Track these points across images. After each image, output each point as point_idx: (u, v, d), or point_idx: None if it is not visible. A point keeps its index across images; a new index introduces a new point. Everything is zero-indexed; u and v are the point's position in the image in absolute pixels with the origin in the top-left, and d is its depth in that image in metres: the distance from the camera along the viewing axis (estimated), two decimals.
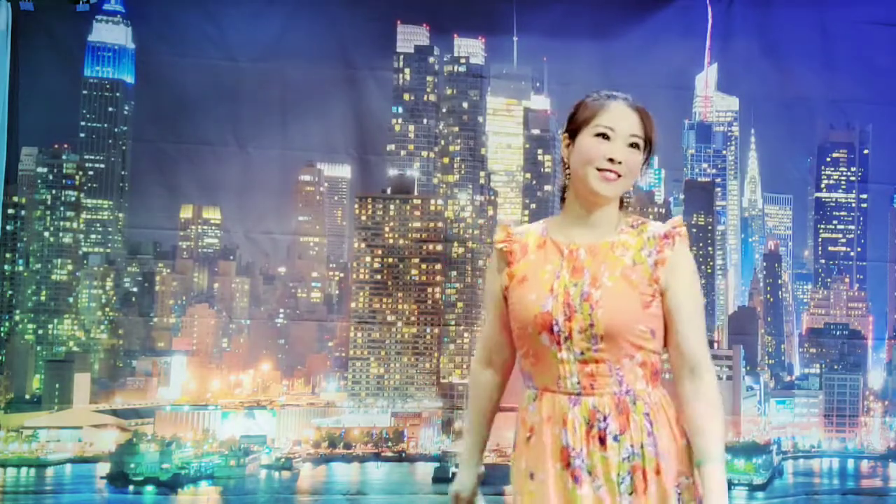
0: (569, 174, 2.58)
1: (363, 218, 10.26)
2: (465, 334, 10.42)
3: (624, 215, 2.61)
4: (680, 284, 2.54)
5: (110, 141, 10.00)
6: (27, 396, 9.53)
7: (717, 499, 2.44)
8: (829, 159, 10.85)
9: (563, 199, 2.64)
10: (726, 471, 2.50)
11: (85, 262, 9.90)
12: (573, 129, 2.57)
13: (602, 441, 2.47)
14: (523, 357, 2.60)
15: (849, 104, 9.79)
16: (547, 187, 10.68)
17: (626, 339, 2.49)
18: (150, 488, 9.14)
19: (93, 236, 10.03)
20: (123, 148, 9.99)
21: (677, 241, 2.56)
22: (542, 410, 2.53)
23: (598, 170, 2.49)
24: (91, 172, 9.92)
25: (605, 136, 2.50)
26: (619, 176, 2.50)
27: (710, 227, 10.89)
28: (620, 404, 2.50)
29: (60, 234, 9.82)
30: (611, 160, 2.49)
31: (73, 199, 9.84)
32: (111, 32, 9.71)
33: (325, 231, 10.74)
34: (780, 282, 10.98)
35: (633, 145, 2.52)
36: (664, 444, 2.50)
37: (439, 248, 10.28)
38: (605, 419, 2.48)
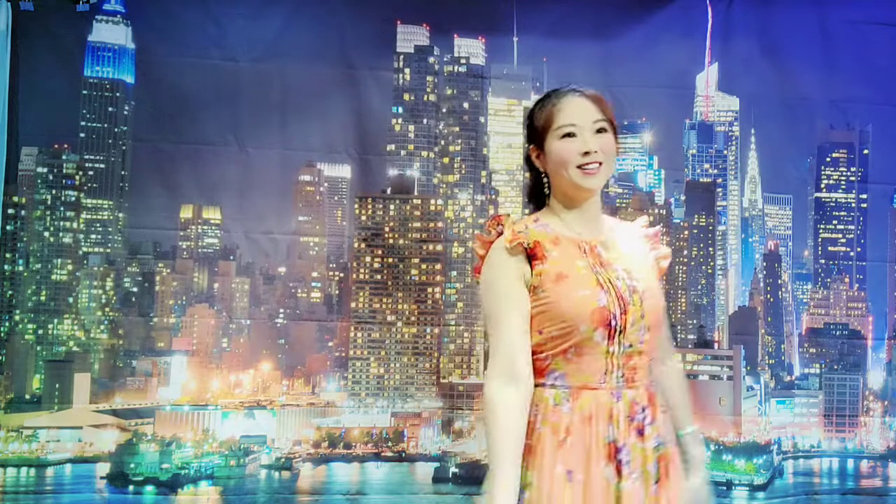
0: (547, 182, 2.58)
1: (363, 218, 10.26)
2: (465, 334, 10.42)
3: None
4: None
5: (110, 141, 10.00)
6: (27, 396, 9.53)
7: (703, 454, 2.77)
8: (829, 159, 10.84)
9: (531, 200, 2.63)
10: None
11: (85, 262, 9.89)
12: (537, 139, 2.57)
13: (640, 432, 2.50)
14: (558, 356, 2.49)
15: (849, 104, 9.79)
16: None
17: (660, 330, 2.59)
18: (150, 488, 9.14)
19: (93, 236, 10.03)
20: (123, 148, 9.99)
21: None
22: (581, 409, 2.47)
23: (578, 167, 2.50)
24: (91, 172, 9.92)
25: (570, 134, 2.51)
26: (600, 164, 2.51)
27: (710, 228, 10.89)
28: (650, 395, 2.56)
29: (60, 234, 9.82)
30: (586, 153, 2.50)
31: (73, 199, 9.84)
32: (111, 32, 9.71)
33: (325, 231, 10.74)
34: (780, 282, 10.98)
35: (601, 130, 2.52)
36: (669, 428, 2.61)
37: (439, 248, 10.28)
38: (643, 410, 2.52)
